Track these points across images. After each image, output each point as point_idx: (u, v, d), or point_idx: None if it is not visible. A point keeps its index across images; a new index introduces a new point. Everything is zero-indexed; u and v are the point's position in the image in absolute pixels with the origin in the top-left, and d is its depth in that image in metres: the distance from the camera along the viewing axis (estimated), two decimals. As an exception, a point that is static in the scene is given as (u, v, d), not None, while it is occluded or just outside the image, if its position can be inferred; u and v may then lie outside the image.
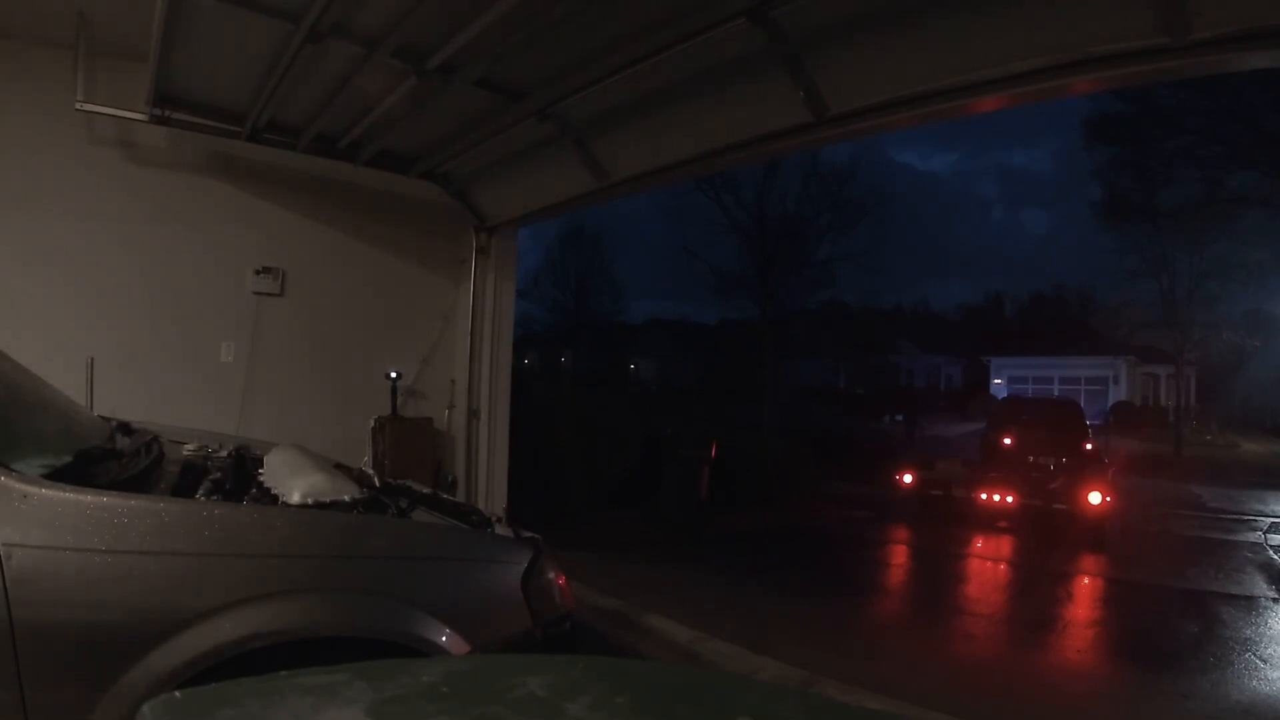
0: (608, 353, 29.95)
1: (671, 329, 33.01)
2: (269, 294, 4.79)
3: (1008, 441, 9.17)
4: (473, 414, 5.49)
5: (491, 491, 5.51)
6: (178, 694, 0.74)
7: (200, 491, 1.86)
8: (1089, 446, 9.52)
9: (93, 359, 3.98)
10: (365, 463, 4.59)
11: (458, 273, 5.54)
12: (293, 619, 1.58)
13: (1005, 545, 7.63)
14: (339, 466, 2.42)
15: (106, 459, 1.84)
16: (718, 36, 2.93)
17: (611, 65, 3.26)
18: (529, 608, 1.90)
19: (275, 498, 1.88)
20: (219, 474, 2.05)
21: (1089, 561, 6.86)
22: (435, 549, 1.94)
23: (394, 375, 5.17)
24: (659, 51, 3.08)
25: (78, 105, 3.97)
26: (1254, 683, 3.80)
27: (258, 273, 4.74)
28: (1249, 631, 4.66)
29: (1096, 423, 12.60)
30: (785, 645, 3.89)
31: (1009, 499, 7.73)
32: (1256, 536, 8.20)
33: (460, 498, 4.95)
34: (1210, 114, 16.20)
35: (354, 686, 0.74)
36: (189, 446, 2.32)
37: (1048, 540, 7.29)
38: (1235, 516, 9.54)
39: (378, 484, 2.36)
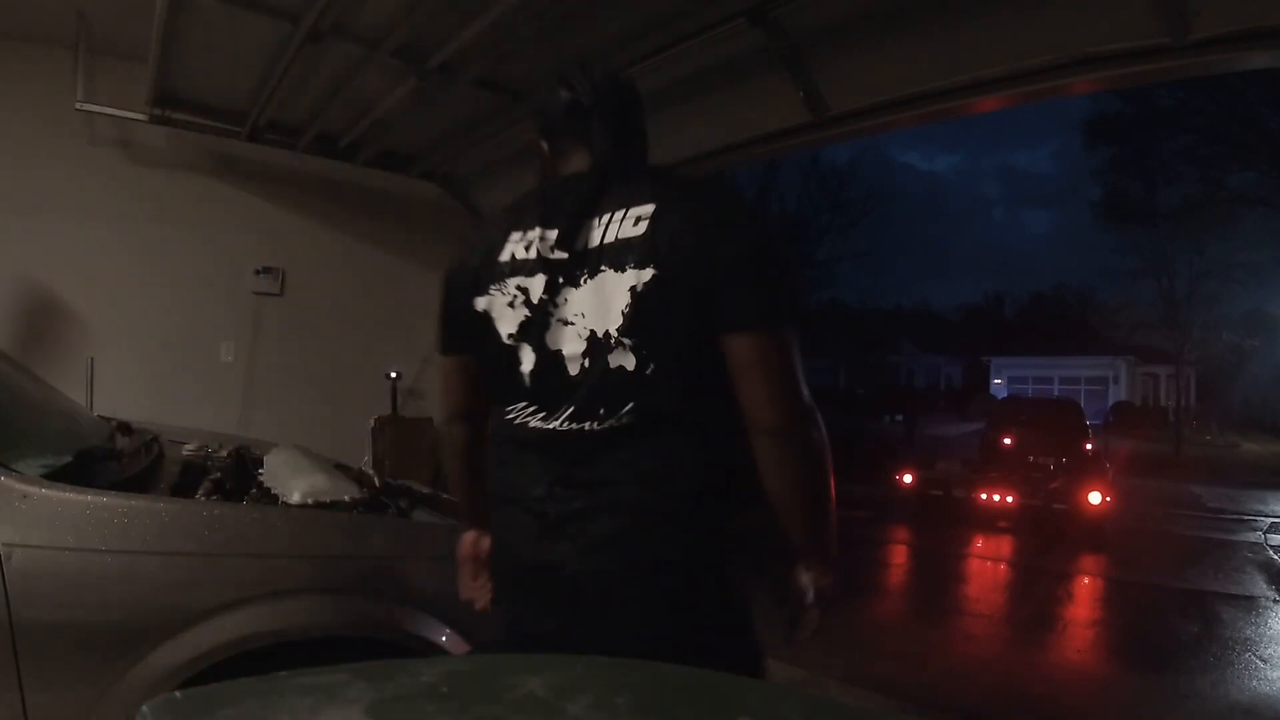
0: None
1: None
2: (269, 294, 4.79)
3: (1008, 441, 9.18)
4: (473, 414, 5.50)
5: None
6: (178, 694, 0.74)
7: (200, 491, 1.86)
8: (1089, 446, 9.52)
9: (93, 359, 3.98)
10: (365, 463, 4.59)
11: (458, 273, 5.53)
12: (293, 619, 1.58)
13: (1005, 545, 7.63)
14: (339, 466, 2.42)
15: (106, 459, 1.84)
16: (718, 36, 2.93)
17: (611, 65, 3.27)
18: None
19: (275, 498, 1.88)
20: (219, 474, 2.05)
21: (1089, 561, 6.87)
22: (435, 549, 1.94)
23: (394, 375, 5.17)
24: (659, 51, 3.08)
25: (78, 105, 3.98)
26: (1254, 683, 3.80)
27: (258, 273, 4.74)
28: (1249, 631, 4.66)
29: (1096, 423, 12.60)
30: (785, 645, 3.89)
31: (1009, 499, 7.74)
32: (1256, 536, 8.20)
33: (460, 498, 4.95)
34: (1210, 114, 16.24)
35: (354, 686, 0.74)
36: (189, 446, 2.32)
37: (1048, 540, 7.29)
38: (1235, 516, 9.54)
39: (378, 484, 2.35)
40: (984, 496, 7.90)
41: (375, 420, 5.15)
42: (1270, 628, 4.77)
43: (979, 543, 7.65)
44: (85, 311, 4.13)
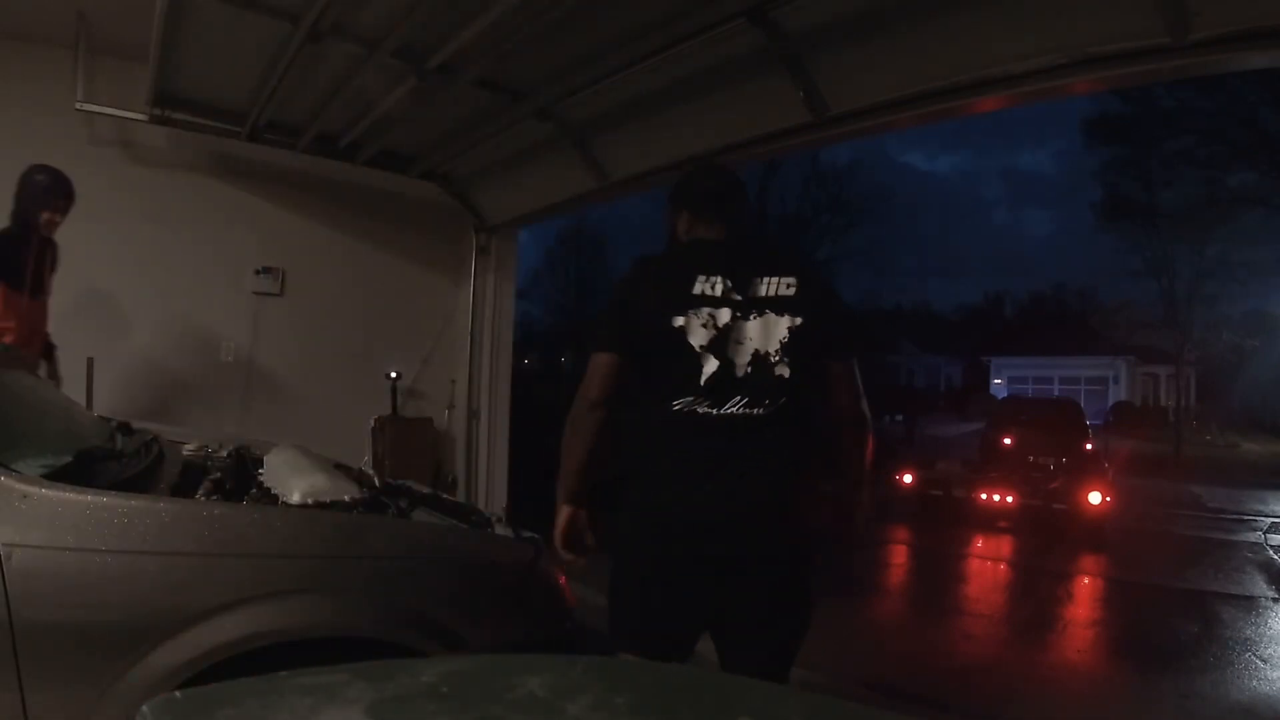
0: (607, 353, 29.82)
1: (671, 329, 32.86)
2: (269, 294, 4.78)
3: (1008, 441, 9.18)
4: (473, 414, 5.49)
5: (491, 491, 5.51)
6: (178, 694, 0.74)
7: (200, 491, 1.86)
8: (1089, 446, 9.52)
9: (92, 359, 3.97)
10: (365, 463, 4.59)
11: (458, 273, 5.54)
12: (293, 619, 1.58)
13: (1005, 545, 7.63)
14: (339, 466, 2.42)
15: (106, 459, 1.84)
16: (718, 36, 2.92)
17: (611, 65, 3.26)
18: (529, 608, 1.90)
19: (275, 498, 1.88)
20: (219, 474, 2.05)
21: (1089, 561, 6.87)
22: (435, 549, 1.94)
23: (394, 375, 5.17)
24: (659, 51, 3.08)
25: (78, 105, 3.97)
26: (1254, 683, 3.80)
27: (258, 273, 4.74)
28: (1249, 631, 4.66)
29: (1097, 423, 12.59)
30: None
31: (1009, 499, 7.74)
32: (1256, 536, 8.20)
33: (460, 498, 4.95)
34: (1210, 114, 16.23)
35: (354, 686, 0.74)
36: (189, 446, 2.32)
37: (1048, 540, 7.29)
38: (1235, 516, 9.54)
39: (378, 484, 2.36)
40: (984, 496, 7.89)
41: (375, 420, 5.15)
42: (1270, 628, 4.77)
43: (979, 543, 7.65)
44: (85, 311, 4.12)
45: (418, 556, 1.87)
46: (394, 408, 5.20)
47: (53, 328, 3.43)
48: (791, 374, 1.76)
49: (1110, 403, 25.65)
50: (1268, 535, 8.27)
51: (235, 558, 1.58)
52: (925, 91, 2.94)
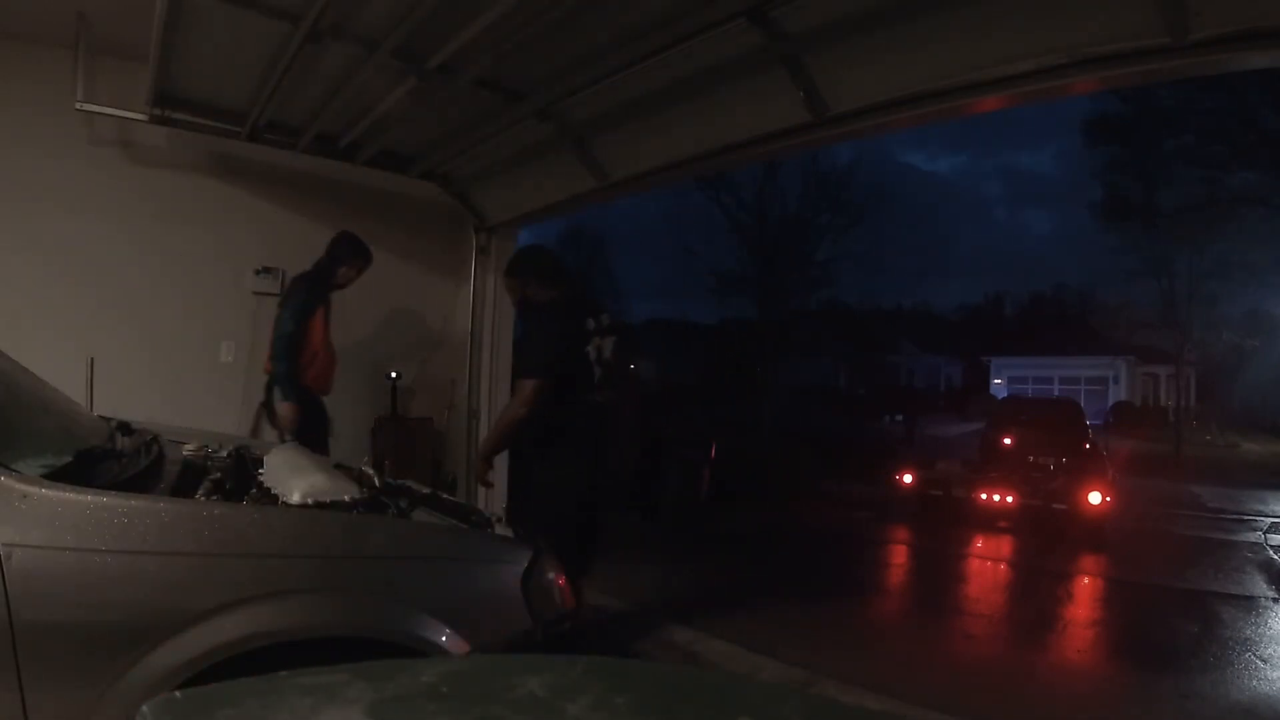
0: (607, 352, 29.83)
1: (671, 328, 32.95)
2: (269, 294, 4.78)
3: (1008, 441, 9.17)
4: (472, 414, 5.49)
5: (491, 491, 5.50)
6: (178, 694, 0.74)
7: (200, 491, 1.86)
8: (1089, 446, 9.51)
9: (93, 359, 3.97)
10: (365, 463, 4.57)
11: (458, 273, 5.53)
12: (293, 619, 1.58)
13: (1005, 545, 7.63)
14: (339, 466, 2.42)
15: (106, 459, 1.84)
16: (718, 36, 2.92)
17: (611, 65, 3.26)
18: (529, 608, 1.90)
19: (275, 498, 1.88)
20: (219, 474, 2.05)
21: (1089, 561, 6.87)
22: (435, 549, 1.94)
23: (394, 375, 5.17)
24: (659, 51, 3.07)
25: (78, 105, 3.97)
26: (1254, 683, 3.80)
27: (258, 273, 4.74)
28: (1249, 631, 4.66)
29: (1096, 423, 12.59)
30: (785, 645, 3.89)
31: (1009, 499, 7.74)
32: (1256, 536, 8.20)
33: (460, 498, 4.94)
34: (1210, 114, 16.23)
35: (354, 686, 0.74)
36: (189, 446, 2.31)
37: (1048, 540, 7.29)
38: (1235, 516, 9.54)
39: (378, 484, 2.35)
40: (984, 496, 7.89)
41: (375, 420, 5.14)
42: (1270, 628, 4.77)
43: (979, 543, 7.65)
44: (85, 311, 4.12)
45: (418, 556, 1.87)
46: (394, 408, 5.19)
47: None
48: (614, 371, 3.38)
49: (1110, 403, 25.66)
50: (1268, 535, 8.27)
51: (235, 558, 1.58)
52: (925, 91, 2.94)
